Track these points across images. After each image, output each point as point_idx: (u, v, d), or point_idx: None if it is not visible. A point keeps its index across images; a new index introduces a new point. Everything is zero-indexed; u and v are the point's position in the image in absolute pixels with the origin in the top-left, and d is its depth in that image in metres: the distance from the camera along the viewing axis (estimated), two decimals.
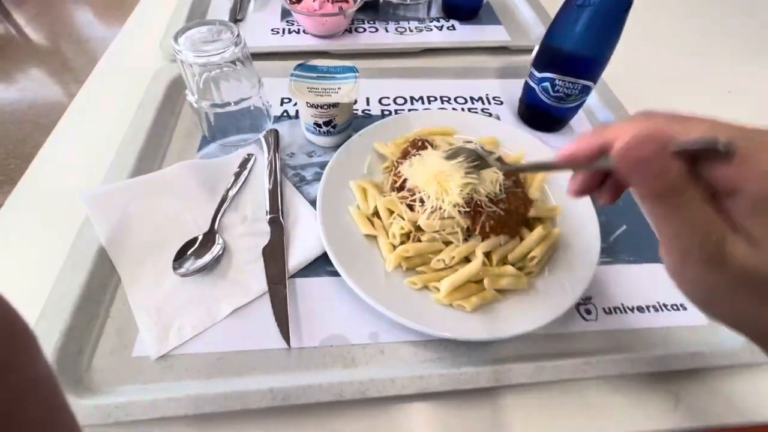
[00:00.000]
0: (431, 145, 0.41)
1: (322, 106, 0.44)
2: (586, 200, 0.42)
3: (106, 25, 2.23)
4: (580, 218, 0.41)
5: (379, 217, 0.40)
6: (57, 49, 2.07)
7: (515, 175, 0.40)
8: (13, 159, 1.52)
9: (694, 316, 0.38)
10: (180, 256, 0.37)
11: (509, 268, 0.36)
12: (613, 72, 0.48)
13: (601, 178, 0.23)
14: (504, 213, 0.36)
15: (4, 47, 2.02)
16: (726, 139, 0.17)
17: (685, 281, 0.19)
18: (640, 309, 0.38)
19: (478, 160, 0.35)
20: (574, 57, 0.44)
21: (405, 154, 0.42)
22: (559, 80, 0.46)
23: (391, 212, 0.39)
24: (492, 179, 0.36)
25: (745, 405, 0.33)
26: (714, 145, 0.17)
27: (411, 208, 0.38)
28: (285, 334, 0.34)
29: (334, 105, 0.44)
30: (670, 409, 0.33)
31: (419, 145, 0.42)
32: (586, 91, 0.47)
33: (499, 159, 0.39)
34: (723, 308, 0.19)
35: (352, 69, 0.46)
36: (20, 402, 0.13)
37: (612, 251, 0.42)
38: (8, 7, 2.25)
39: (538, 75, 0.48)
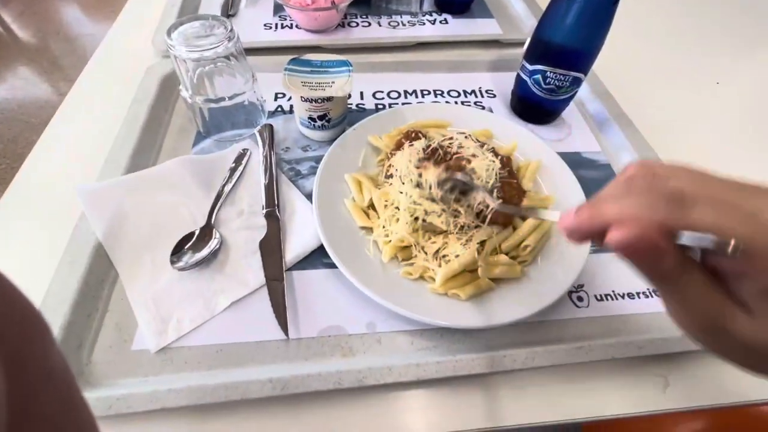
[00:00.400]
0: (424, 137, 0.42)
1: (316, 100, 0.44)
2: (578, 190, 0.43)
3: (95, 22, 2.21)
4: (571, 206, 0.42)
5: (374, 209, 0.41)
6: (45, 46, 2.04)
7: (509, 165, 0.41)
8: (3, 159, 1.51)
9: None
10: (177, 251, 0.37)
11: (503, 257, 0.37)
12: (602, 64, 0.49)
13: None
14: (501, 202, 0.37)
15: None
16: (733, 242, 0.16)
17: (694, 340, 0.20)
18: (630, 296, 0.39)
19: (465, 186, 0.35)
20: (564, 49, 0.45)
21: (399, 146, 0.42)
22: (551, 72, 0.47)
23: (386, 204, 0.40)
24: (488, 167, 0.37)
25: (732, 386, 0.34)
26: (721, 249, 0.16)
27: None
28: (283, 325, 0.34)
29: (329, 99, 0.44)
30: (659, 391, 0.34)
31: (412, 136, 0.42)
32: (577, 83, 0.48)
33: (493, 151, 0.40)
34: (736, 360, 0.20)
35: (345, 63, 0.46)
36: (36, 392, 0.13)
37: None
38: None
39: (530, 67, 0.48)
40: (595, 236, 0.19)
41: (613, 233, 0.18)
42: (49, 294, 0.34)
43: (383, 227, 0.39)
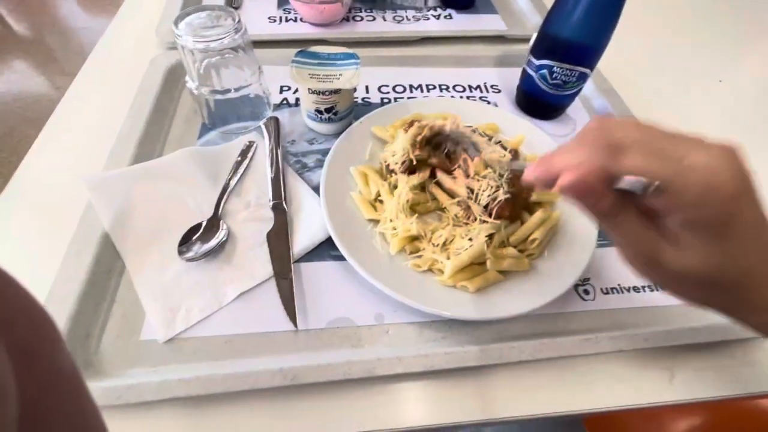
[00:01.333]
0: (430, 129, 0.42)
1: (323, 93, 0.44)
2: None
3: (91, 15, 2.18)
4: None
5: (381, 202, 0.41)
6: (41, 39, 2.01)
7: (517, 158, 0.41)
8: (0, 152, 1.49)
9: None
10: (185, 241, 0.37)
11: (511, 250, 0.37)
12: (607, 60, 0.49)
13: None
14: (510, 196, 0.37)
15: None
16: (656, 182, 0.19)
17: (638, 274, 0.24)
18: (636, 289, 0.39)
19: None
20: (572, 44, 0.45)
21: None
22: (557, 67, 0.47)
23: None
24: (500, 155, 0.37)
25: (737, 378, 0.35)
26: (646, 188, 0.20)
27: None
28: (292, 316, 0.34)
29: (336, 91, 0.44)
30: (665, 383, 0.34)
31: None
32: (583, 78, 0.48)
33: (500, 143, 0.40)
34: (674, 290, 0.24)
35: (353, 56, 0.46)
36: (45, 388, 0.14)
37: None
38: None
39: (536, 62, 0.49)
40: (552, 183, 0.22)
41: (560, 179, 0.21)
42: (57, 284, 0.34)
43: (390, 220, 0.39)
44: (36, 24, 2.09)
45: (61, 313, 0.32)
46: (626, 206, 0.21)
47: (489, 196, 0.36)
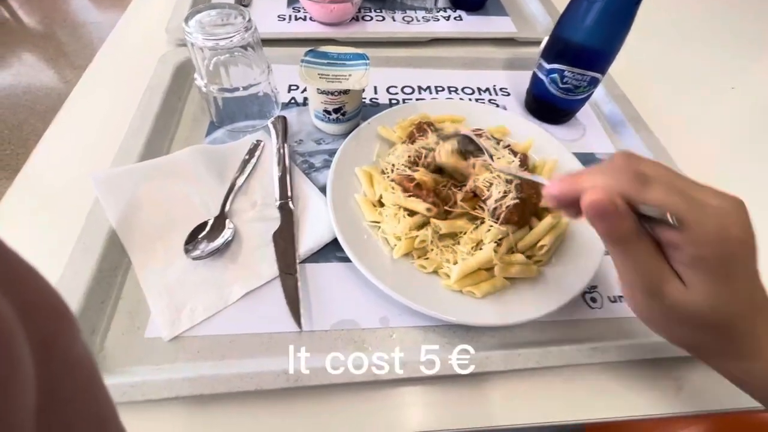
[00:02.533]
0: (437, 129, 0.42)
1: (332, 93, 0.44)
2: None
3: (102, 10, 2.19)
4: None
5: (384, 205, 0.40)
6: (51, 33, 2.03)
7: (526, 163, 0.40)
8: (8, 144, 1.50)
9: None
10: (191, 240, 0.37)
11: (519, 257, 0.37)
12: (618, 66, 0.48)
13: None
14: (519, 201, 0.37)
15: None
16: (675, 214, 0.21)
17: (632, 304, 0.26)
18: None
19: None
20: (584, 48, 0.45)
21: (411, 138, 0.42)
22: (569, 72, 0.46)
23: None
24: (508, 161, 0.37)
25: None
26: (665, 218, 0.21)
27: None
28: (296, 317, 0.34)
29: (345, 92, 0.44)
30: (672, 394, 0.34)
31: (424, 128, 0.42)
32: (594, 83, 0.47)
33: (509, 147, 0.40)
34: (660, 327, 0.26)
35: (362, 56, 0.46)
36: (62, 378, 0.14)
37: None
38: None
39: (547, 66, 0.48)
40: (571, 203, 0.24)
41: (585, 197, 0.22)
42: (63, 279, 0.34)
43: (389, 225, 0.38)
44: (47, 18, 2.11)
45: None
46: (642, 234, 0.23)
47: (497, 201, 0.36)
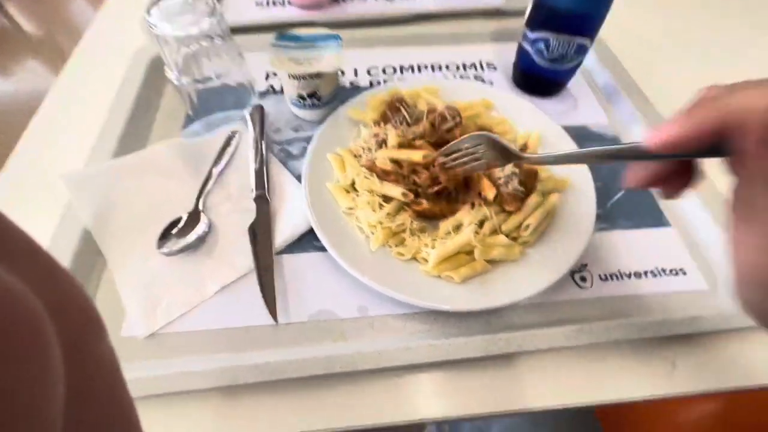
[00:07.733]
0: (409, 107, 0.40)
1: (304, 77, 0.42)
2: (583, 166, 0.41)
3: None
4: (576, 184, 0.40)
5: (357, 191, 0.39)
6: (53, 39, 2.04)
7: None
8: (9, 150, 1.53)
9: (694, 281, 0.36)
10: (165, 236, 0.36)
11: (501, 238, 0.35)
12: (611, 30, 0.45)
13: (674, 169, 0.21)
14: (524, 190, 0.35)
15: None
16: None
17: (747, 294, 0.19)
18: (637, 275, 0.37)
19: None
20: (568, 13, 0.42)
21: (384, 119, 0.40)
22: (554, 39, 0.44)
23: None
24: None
25: (740, 369, 0.32)
26: None
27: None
28: (272, 311, 0.33)
29: (318, 75, 0.42)
30: (666, 374, 0.32)
31: (396, 107, 0.40)
32: (582, 50, 0.44)
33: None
34: None
35: (335, 37, 0.44)
36: (89, 376, 0.14)
37: (609, 217, 0.40)
38: None
39: (532, 36, 0.45)
40: (711, 140, 0.18)
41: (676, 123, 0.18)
42: None
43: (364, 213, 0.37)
44: (48, 23, 2.12)
45: None
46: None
47: (506, 181, 0.35)
